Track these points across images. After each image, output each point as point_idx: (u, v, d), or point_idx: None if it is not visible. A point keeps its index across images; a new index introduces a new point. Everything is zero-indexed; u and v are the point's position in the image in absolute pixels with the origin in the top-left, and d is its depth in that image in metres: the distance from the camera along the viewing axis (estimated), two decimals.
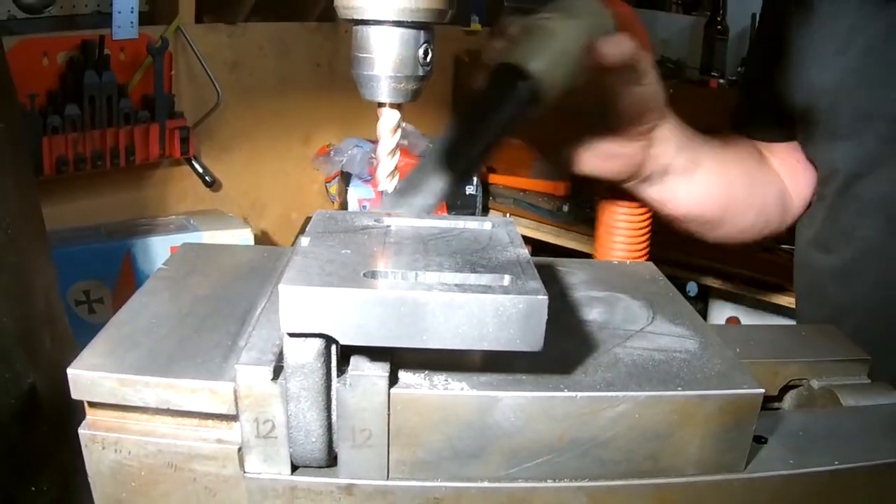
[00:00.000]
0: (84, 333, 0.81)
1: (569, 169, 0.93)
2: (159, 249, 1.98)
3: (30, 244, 0.74)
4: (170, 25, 2.08)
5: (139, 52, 2.03)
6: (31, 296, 0.73)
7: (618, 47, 0.78)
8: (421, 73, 0.56)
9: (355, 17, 0.54)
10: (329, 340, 0.47)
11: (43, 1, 0.74)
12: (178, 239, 2.01)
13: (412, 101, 0.57)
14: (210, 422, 0.50)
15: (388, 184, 0.61)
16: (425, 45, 0.55)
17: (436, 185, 0.66)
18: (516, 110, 0.71)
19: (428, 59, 0.56)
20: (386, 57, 0.55)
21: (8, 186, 0.70)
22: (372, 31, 0.55)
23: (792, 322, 2.25)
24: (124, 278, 1.94)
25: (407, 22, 0.54)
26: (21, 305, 0.70)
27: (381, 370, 0.48)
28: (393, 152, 0.60)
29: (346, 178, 2.44)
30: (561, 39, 0.74)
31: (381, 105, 0.58)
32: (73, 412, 0.51)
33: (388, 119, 0.59)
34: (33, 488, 0.70)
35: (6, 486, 0.67)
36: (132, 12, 1.99)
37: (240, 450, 0.49)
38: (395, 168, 0.61)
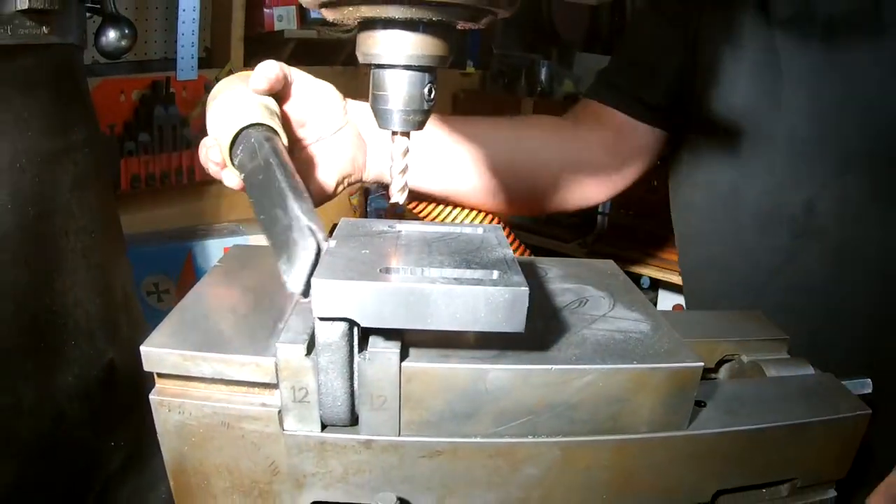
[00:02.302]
0: (153, 318, 0.81)
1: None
2: (214, 249, 1.98)
3: (110, 246, 0.74)
4: (223, 69, 2.08)
5: (198, 90, 2.03)
6: (111, 288, 0.73)
7: (262, 69, 0.71)
8: (426, 107, 0.56)
9: (373, 62, 0.54)
10: (352, 323, 0.47)
11: (120, 49, 0.74)
12: (230, 241, 2.01)
13: (419, 130, 0.57)
14: (255, 389, 0.50)
15: (400, 196, 0.61)
16: (429, 84, 0.55)
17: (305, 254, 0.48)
18: (271, 152, 0.60)
19: (431, 96, 0.56)
20: (397, 94, 0.55)
21: (92, 201, 0.70)
22: (386, 73, 0.54)
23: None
24: (186, 273, 1.94)
25: (414, 66, 0.53)
26: (103, 295, 0.70)
27: (393, 347, 0.48)
28: (404, 171, 0.60)
29: (365, 192, 2.44)
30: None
31: (394, 133, 0.58)
32: (144, 382, 0.51)
33: (400, 144, 0.58)
34: (112, 444, 0.70)
35: (91, 441, 0.67)
36: (193, 58, 2.00)
37: (279, 412, 0.50)
38: (405, 184, 0.61)
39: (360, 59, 0.55)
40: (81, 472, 0.66)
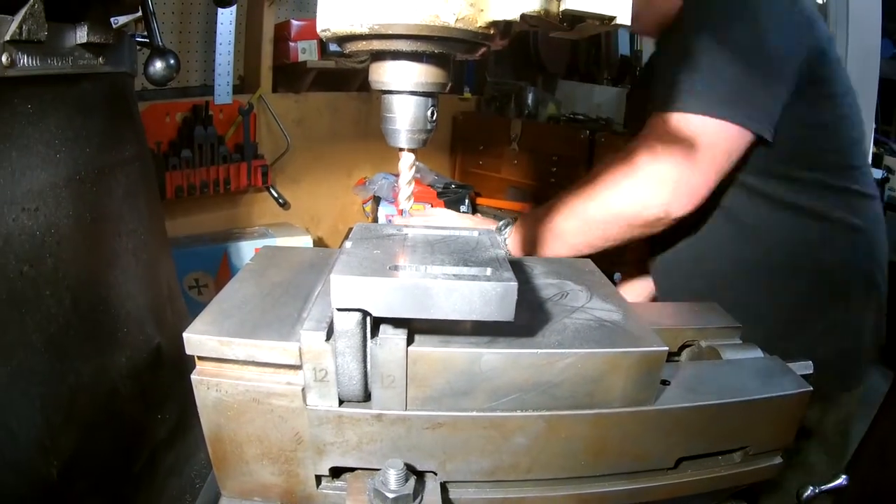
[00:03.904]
0: (194, 309, 0.81)
1: None
2: (247, 250, 1.98)
3: (156, 246, 0.74)
4: (254, 94, 2.08)
5: (233, 113, 2.03)
6: (158, 282, 0.73)
7: None
8: (429, 127, 0.56)
9: (383, 88, 0.54)
10: (365, 313, 0.47)
11: (165, 78, 0.74)
12: (260, 243, 2.01)
13: (422, 147, 0.57)
14: (282, 370, 0.50)
15: (406, 204, 0.61)
16: (432, 108, 0.55)
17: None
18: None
19: (434, 117, 0.56)
20: (404, 116, 0.55)
21: (142, 208, 0.70)
22: (395, 98, 0.54)
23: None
24: (222, 270, 1.94)
25: (419, 92, 0.54)
26: (151, 288, 0.70)
27: (401, 334, 0.48)
28: (410, 182, 0.60)
29: (377, 200, 2.43)
30: None
31: (401, 149, 0.58)
32: (186, 364, 0.51)
33: (406, 159, 0.58)
34: (159, 417, 0.70)
35: (141, 415, 0.68)
36: (228, 85, 2.00)
37: (303, 390, 0.50)
38: (412, 194, 0.61)
39: (372, 87, 0.55)
40: (132, 441, 0.66)
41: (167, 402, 0.71)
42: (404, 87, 0.53)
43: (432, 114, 0.55)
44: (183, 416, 0.72)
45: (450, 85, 0.55)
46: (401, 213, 0.60)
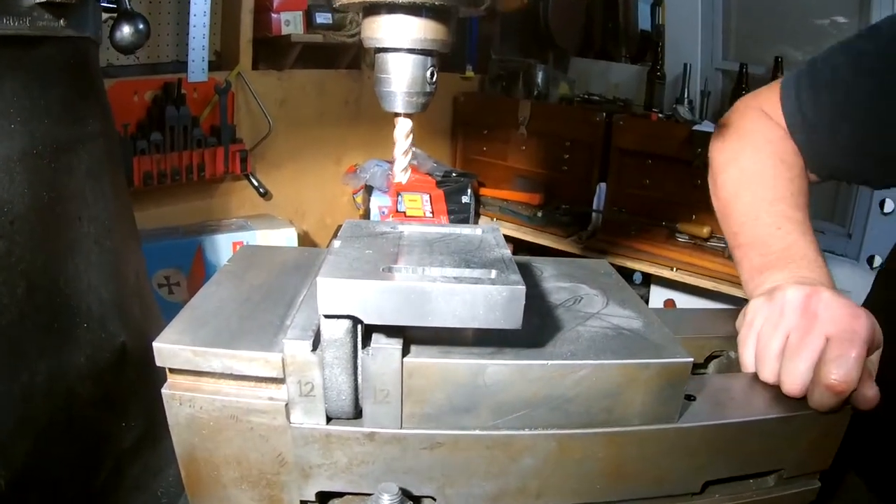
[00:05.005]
0: (164, 310, 0.81)
1: None
2: (223, 244, 1.98)
3: (123, 234, 0.74)
4: (232, 71, 2.08)
5: (208, 92, 2.03)
6: (124, 274, 0.73)
7: None
8: (428, 89, 0.55)
9: (378, 45, 0.54)
10: (356, 320, 0.47)
11: (133, 44, 0.74)
12: (238, 237, 2.01)
13: (421, 112, 0.57)
14: (263, 384, 0.50)
15: (402, 177, 0.61)
16: (432, 68, 0.55)
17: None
18: None
19: (433, 79, 0.55)
20: (401, 77, 0.54)
21: (106, 187, 0.70)
22: (390, 56, 0.54)
23: (714, 302, 2.25)
24: (196, 267, 1.94)
25: (417, 49, 0.53)
26: (115, 280, 0.70)
27: (396, 344, 0.48)
28: (407, 152, 0.59)
29: (369, 190, 2.43)
30: None
31: (397, 115, 0.57)
32: (155, 367, 0.51)
33: (403, 126, 0.58)
34: (123, 424, 0.70)
35: (103, 421, 0.67)
36: (203, 61, 1.99)
37: (286, 405, 0.49)
38: (408, 165, 0.61)
39: (365, 44, 0.54)
40: (93, 450, 0.66)
41: (133, 407, 0.71)
42: (401, 43, 0.53)
43: (432, 74, 0.55)
44: (151, 424, 0.72)
45: (451, 43, 0.55)
46: (397, 190, 0.60)
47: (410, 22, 0.52)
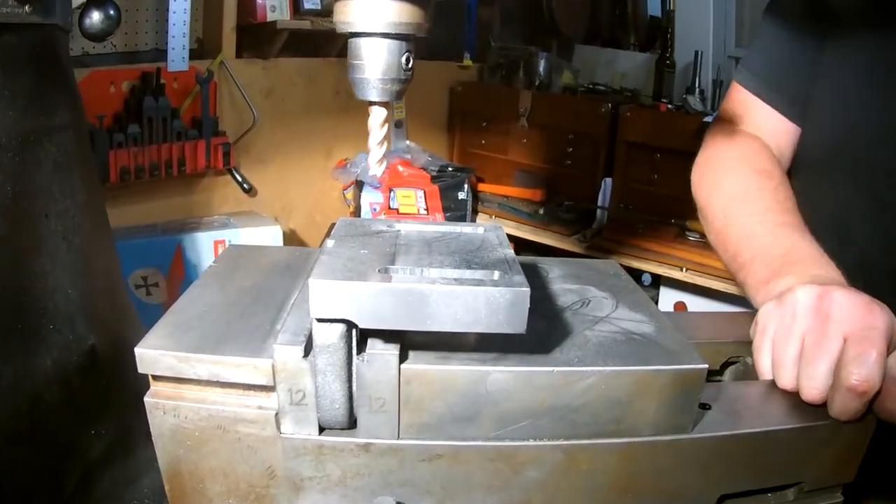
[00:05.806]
0: (142, 312, 0.80)
1: None
2: (205, 243, 1.98)
3: (93, 231, 0.73)
4: (214, 60, 2.08)
5: (189, 82, 2.02)
6: (93, 273, 0.73)
7: None
8: (403, 76, 0.55)
9: (350, 30, 0.54)
10: (350, 325, 0.47)
11: (104, 31, 0.74)
12: (221, 235, 2.01)
13: (397, 100, 0.57)
14: (252, 392, 0.50)
15: (377, 169, 0.60)
16: (407, 53, 0.55)
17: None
18: None
19: (409, 65, 0.55)
20: (375, 63, 0.54)
21: (75, 182, 0.70)
22: (363, 41, 0.54)
23: (727, 305, 2.26)
24: (175, 267, 1.94)
25: (392, 34, 0.53)
26: (84, 280, 0.70)
27: (393, 349, 0.48)
28: (382, 142, 0.59)
29: (359, 185, 2.44)
30: None
31: (371, 103, 0.57)
32: (127, 370, 0.51)
33: (377, 115, 0.58)
34: (93, 432, 0.70)
35: (70, 429, 0.67)
36: (184, 49, 1.99)
37: (276, 415, 0.49)
38: (384, 156, 0.61)
39: (338, 29, 0.54)
40: (60, 457, 0.66)
41: (104, 414, 0.70)
42: (374, 27, 0.53)
43: (408, 60, 0.55)
44: (123, 432, 0.72)
45: (428, 26, 0.55)
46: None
47: (384, 4, 0.52)
